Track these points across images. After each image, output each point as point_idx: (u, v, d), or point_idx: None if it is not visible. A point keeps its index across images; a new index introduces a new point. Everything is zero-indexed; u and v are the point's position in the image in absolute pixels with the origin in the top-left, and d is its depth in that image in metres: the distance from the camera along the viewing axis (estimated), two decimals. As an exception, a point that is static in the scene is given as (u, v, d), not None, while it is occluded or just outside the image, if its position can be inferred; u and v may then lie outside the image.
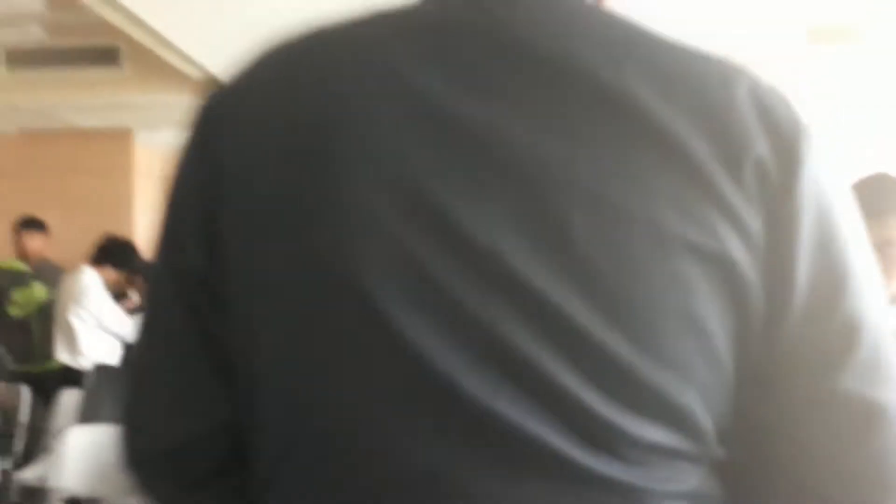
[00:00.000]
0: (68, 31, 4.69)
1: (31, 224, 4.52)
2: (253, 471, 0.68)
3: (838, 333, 0.62)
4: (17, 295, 4.29)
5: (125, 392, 0.76)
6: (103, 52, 4.78)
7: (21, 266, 4.48)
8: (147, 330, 0.73)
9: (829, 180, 0.64)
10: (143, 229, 5.75)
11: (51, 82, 4.90)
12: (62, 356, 4.16)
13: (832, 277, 0.62)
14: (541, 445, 0.57)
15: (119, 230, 5.35)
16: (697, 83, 0.62)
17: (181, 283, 0.68)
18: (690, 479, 0.61)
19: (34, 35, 4.77)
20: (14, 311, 4.28)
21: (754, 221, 0.60)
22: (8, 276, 4.42)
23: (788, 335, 0.61)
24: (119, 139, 5.67)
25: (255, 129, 0.65)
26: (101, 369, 4.00)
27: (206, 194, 0.66)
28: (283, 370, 0.64)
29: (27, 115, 5.24)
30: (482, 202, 0.58)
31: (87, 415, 3.65)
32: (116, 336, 4.26)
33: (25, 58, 4.86)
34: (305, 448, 0.64)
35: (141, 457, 0.74)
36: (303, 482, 0.64)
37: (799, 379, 0.62)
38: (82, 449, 3.12)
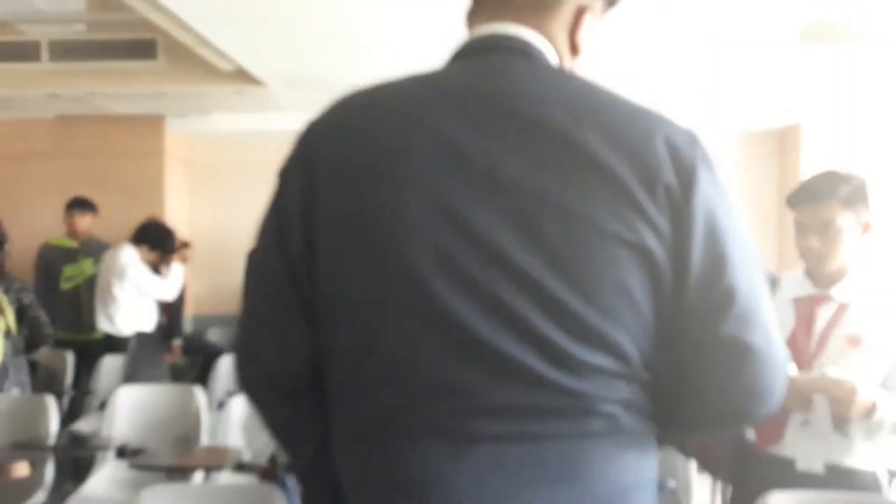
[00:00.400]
0: (108, 25, 5.00)
1: (82, 204, 4.88)
2: (327, 390, 1.01)
3: (720, 297, 0.93)
4: (68, 270, 4.66)
5: (236, 332, 1.10)
6: (141, 44, 5.10)
7: (71, 243, 4.84)
8: (256, 290, 1.05)
9: (716, 195, 0.95)
10: (173, 208, 6.07)
11: (90, 73, 5.17)
12: (104, 325, 4.53)
13: (715, 261, 0.93)
14: (522, 365, 0.91)
15: (150, 209, 5.66)
16: (630, 133, 0.95)
17: (286, 258, 1.00)
18: (623, 391, 0.93)
19: (75, 28, 5.09)
20: (65, 285, 4.66)
21: (664, 224, 0.92)
22: (60, 252, 4.80)
23: (687, 298, 0.93)
24: (151, 124, 5.95)
25: (337, 152, 0.99)
26: (141, 336, 4.39)
27: (304, 195, 0.99)
28: (352, 317, 0.97)
29: (66, 103, 5.53)
30: (485, 210, 0.92)
31: (130, 376, 4.03)
32: (158, 300, 4.66)
33: (67, 49, 5.19)
34: (364, 369, 0.97)
35: (251, 378, 1.08)
36: (360, 392, 0.97)
37: (695, 327, 0.94)
38: (130, 405, 3.50)
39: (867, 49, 4.27)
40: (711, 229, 0.94)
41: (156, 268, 4.81)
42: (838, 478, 1.89)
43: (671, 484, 2.71)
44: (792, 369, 1.86)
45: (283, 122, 6.03)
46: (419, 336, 0.93)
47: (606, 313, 0.91)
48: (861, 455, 1.91)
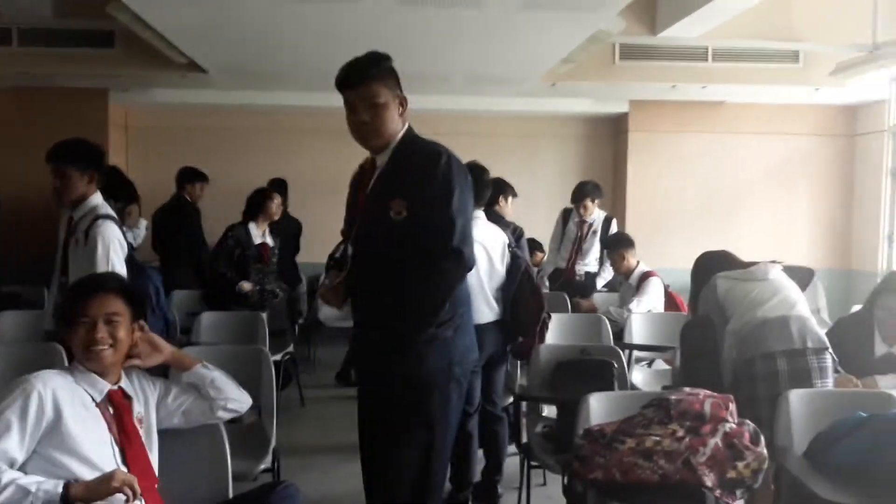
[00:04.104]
0: (72, 15, 6.05)
1: (201, 177, 6.44)
2: None
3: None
4: None
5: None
6: (100, 35, 6.17)
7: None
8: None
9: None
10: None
11: (54, 57, 6.21)
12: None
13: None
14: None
15: (96, 169, 6.81)
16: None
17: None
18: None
19: (43, 18, 6.11)
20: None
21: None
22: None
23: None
24: (96, 97, 7.05)
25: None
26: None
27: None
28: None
29: (27, 78, 6.54)
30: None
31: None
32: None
33: (34, 36, 6.20)
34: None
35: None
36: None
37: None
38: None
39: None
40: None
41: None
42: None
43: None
44: None
45: (210, 97, 7.30)
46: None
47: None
48: None
